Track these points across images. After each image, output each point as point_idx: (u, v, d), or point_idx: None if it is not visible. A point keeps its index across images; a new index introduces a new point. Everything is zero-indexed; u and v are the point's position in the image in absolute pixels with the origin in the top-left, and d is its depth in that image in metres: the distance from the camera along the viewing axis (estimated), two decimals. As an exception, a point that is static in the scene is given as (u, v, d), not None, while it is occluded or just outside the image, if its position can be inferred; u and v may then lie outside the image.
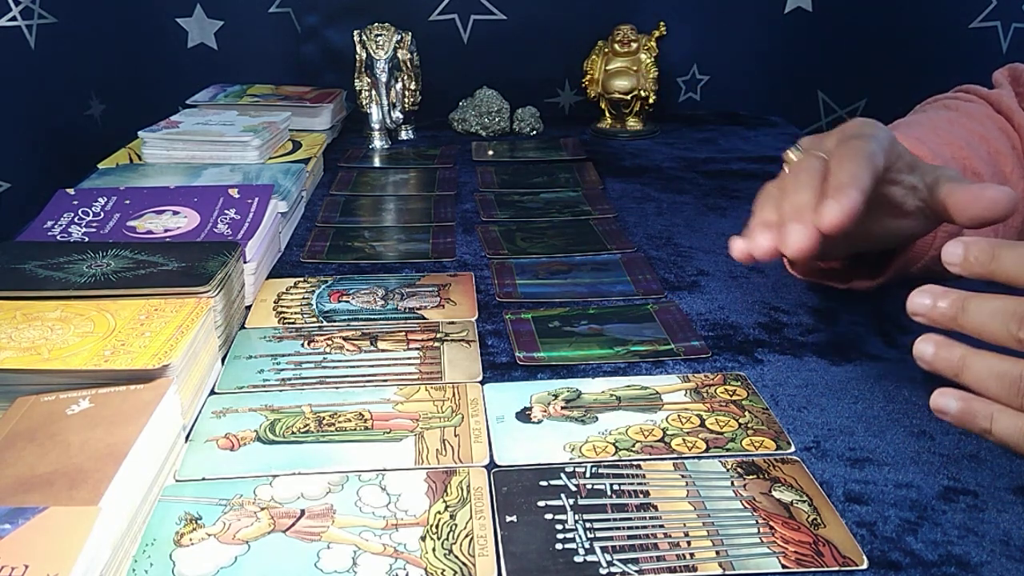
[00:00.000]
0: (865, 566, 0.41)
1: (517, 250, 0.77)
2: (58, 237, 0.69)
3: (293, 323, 0.63)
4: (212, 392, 0.55)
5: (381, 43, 1.03)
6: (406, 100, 1.07)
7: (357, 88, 1.06)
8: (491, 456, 0.49)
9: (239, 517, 0.44)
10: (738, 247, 0.52)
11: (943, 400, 0.43)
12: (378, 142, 1.07)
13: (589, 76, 1.12)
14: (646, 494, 0.45)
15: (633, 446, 0.49)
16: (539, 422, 0.52)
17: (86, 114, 1.07)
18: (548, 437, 0.50)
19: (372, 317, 0.64)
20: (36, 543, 0.36)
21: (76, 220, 0.71)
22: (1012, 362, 0.41)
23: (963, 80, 0.81)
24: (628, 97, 1.11)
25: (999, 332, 0.41)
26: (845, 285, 0.64)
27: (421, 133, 1.13)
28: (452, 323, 0.63)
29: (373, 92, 1.05)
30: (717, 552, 0.41)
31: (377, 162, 1.02)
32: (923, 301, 0.44)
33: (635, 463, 0.48)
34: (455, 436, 0.50)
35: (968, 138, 0.71)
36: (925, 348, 0.44)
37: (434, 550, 0.42)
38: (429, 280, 0.70)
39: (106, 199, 0.74)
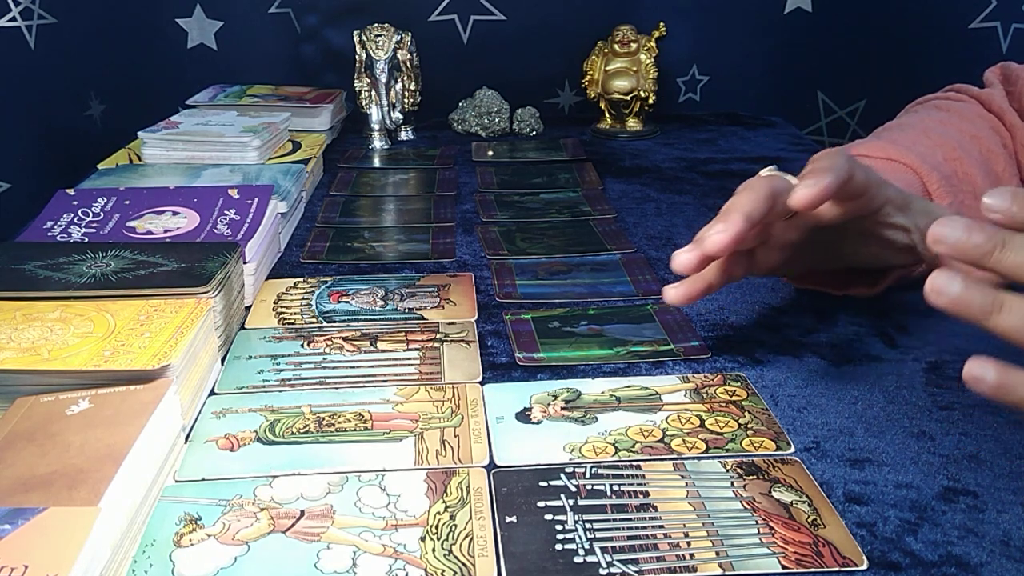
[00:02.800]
0: (865, 566, 0.41)
1: (517, 250, 0.77)
2: (58, 237, 0.69)
3: (293, 323, 0.63)
4: (212, 392, 0.55)
5: (381, 43, 1.03)
6: (406, 100, 1.07)
7: (357, 88, 1.06)
8: (491, 456, 0.49)
9: (239, 518, 0.44)
10: (669, 294, 0.55)
11: (979, 368, 0.39)
12: (378, 142, 1.07)
13: (589, 76, 1.12)
14: (646, 495, 0.45)
15: (633, 447, 0.49)
16: (539, 422, 0.52)
17: (86, 114, 1.07)
18: (548, 438, 0.50)
19: (372, 317, 0.64)
20: (36, 543, 0.36)
21: (76, 220, 0.71)
22: None
23: (963, 80, 0.81)
24: (628, 97, 1.11)
25: None
26: (842, 292, 0.64)
27: (421, 133, 1.13)
28: (452, 323, 0.63)
29: (373, 92, 1.05)
30: (717, 552, 0.41)
31: (377, 162, 1.02)
32: (953, 232, 0.40)
33: (635, 463, 0.48)
34: (455, 436, 0.50)
35: (960, 138, 0.71)
36: (950, 283, 0.39)
37: (434, 550, 0.42)
38: (429, 280, 0.70)
39: (106, 199, 0.74)
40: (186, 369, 0.51)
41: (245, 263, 0.66)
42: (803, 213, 0.55)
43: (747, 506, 0.45)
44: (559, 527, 0.43)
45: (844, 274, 0.64)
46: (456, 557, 0.41)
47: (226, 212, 0.72)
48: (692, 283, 0.54)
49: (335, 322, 0.64)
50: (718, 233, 0.51)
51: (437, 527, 0.43)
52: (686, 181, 0.96)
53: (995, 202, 0.41)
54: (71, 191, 0.76)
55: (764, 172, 0.57)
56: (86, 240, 0.68)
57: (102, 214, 0.72)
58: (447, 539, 0.42)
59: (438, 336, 0.61)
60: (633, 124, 1.13)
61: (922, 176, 0.65)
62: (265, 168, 0.84)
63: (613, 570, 0.40)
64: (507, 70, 1.17)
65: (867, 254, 0.59)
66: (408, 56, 1.05)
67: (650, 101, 1.11)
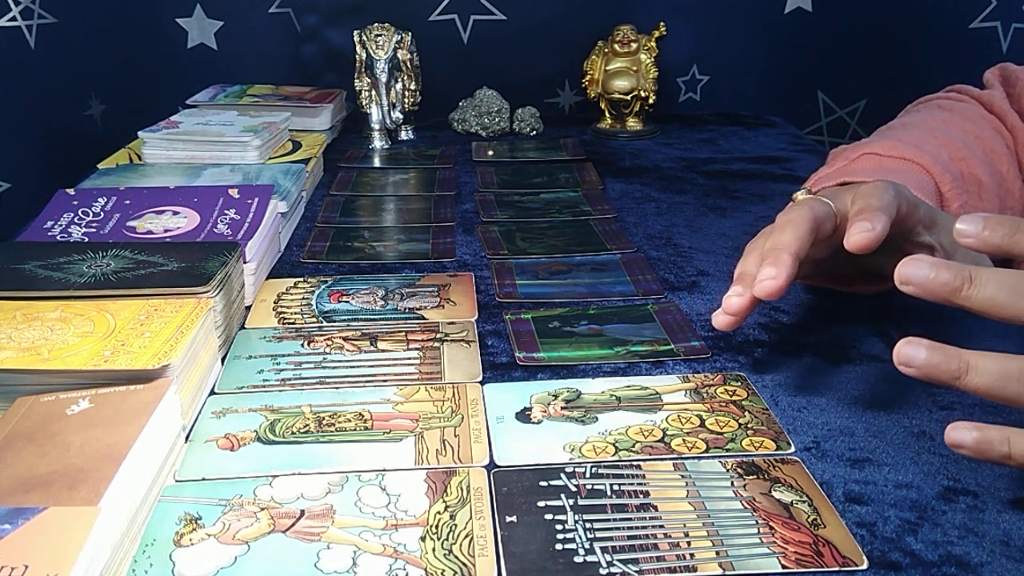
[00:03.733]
0: (865, 566, 0.41)
1: (517, 250, 0.77)
2: (58, 237, 0.68)
3: (293, 323, 0.63)
4: (212, 392, 0.55)
5: (381, 43, 1.03)
6: (406, 100, 1.07)
7: (357, 88, 1.06)
8: (491, 456, 0.49)
9: (239, 517, 0.44)
10: (719, 320, 0.55)
11: (958, 434, 0.42)
12: (378, 142, 1.07)
13: (589, 76, 1.12)
14: (646, 494, 0.45)
15: (633, 446, 0.49)
16: (539, 422, 0.52)
17: (86, 114, 1.07)
18: (548, 437, 0.50)
19: (372, 317, 0.64)
20: (36, 543, 0.36)
21: (76, 220, 0.71)
22: (1015, 358, 0.40)
23: (963, 80, 0.81)
24: (628, 97, 1.11)
25: (1013, 307, 0.40)
26: (848, 289, 0.64)
27: (421, 133, 1.13)
28: (452, 323, 0.63)
29: (373, 92, 1.05)
30: (717, 552, 0.41)
31: (377, 162, 1.02)
32: (919, 271, 0.41)
33: (635, 463, 0.48)
34: (455, 436, 0.50)
35: (964, 139, 0.71)
36: (914, 352, 0.41)
37: (434, 550, 0.42)
38: (429, 280, 0.70)
39: (106, 199, 0.74)
40: (186, 369, 0.51)
41: (245, 263, 0.66)
42: (837, 233, 0.55)
43: (747, 506, 0.45)
44: (559, 527, 0.43)
45: (852, 273, 0.64)
46: (456, 557, 0.41)
47: (226, 212, 0.72)
48: (738, 315, 0.55)
49: (335, 322, 0.64)
50: (770, 280, 0.51)
51: (437, 527, 0.43)
52: (686, 181, 0.96)
53: (967, 227, 0.42)
54: (71, 191, 0.76)
55: (799, 196, 0.57)
56: (86, 240, 0.68)
57: (102, 214, 0.72)
58: (447, 539, 0.42)
59: (438, 336, 0.61)
60: (633, 124, 1.13)
61: (935, 176, 0.65)
62: (265, 168, 0.84)
63: (613, 570, 0.40)
64: (507, 70, 1.16)
65: (889, 265, 0.59)
66: (408, 56, 1.05)
67: (650, 101, 1.11)
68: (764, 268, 0.51)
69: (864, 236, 0.50)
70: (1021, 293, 0.41)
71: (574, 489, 0.46)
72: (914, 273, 0.42)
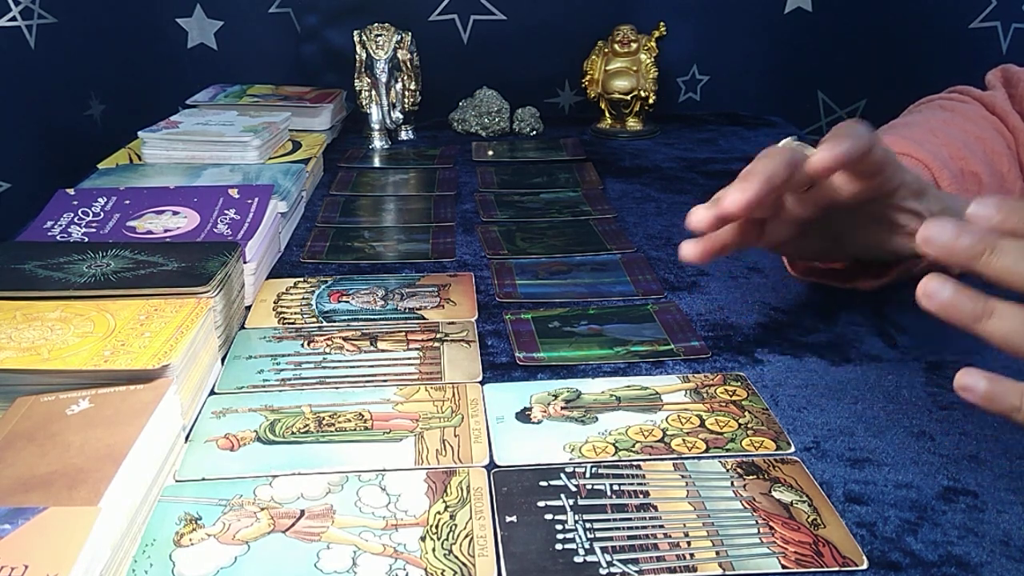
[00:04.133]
0: (865, 566, 0.41)
1: (517, 250, 0.77)
2: (58, 237, 0.68)
3: (293, 323, 0.63)
4: (212, 392, 0.55)
5: (381, 43, 1.03)
6: (406, 100, 1.07)
7: (357, 88, 1.06)
8: (491, 456, 0.49)
9: (239, 517, 0.44)
10: (684, 250, 0.55)
11: (969, 378, 0.40)
12: (378, 142, 1.07)
13: (589, 76, 1.12)
14: (646, 494, 0.45)
15: (633, 446, 0.49)
16: (539, 422, 0.52)
17: (86, 114, 1.07)
18: (548, 437, 0.50)
19: (372, 317, 0.64)
20: (36, 543, 0.36)
21: (76, 220, 0.71)
22: None
23: (963, 80, 0.81)
24: (628, 97, 1.11)
25: None
26: (848, 285, 0.64)
27: (421, 133, 1.13)
28: (452, 323, 0.63)
29: (373, 92, 1.05)
30: (717, 552, 0.41)
31: (377, 162, 1.02)
32: (942, 233, 0.40)
33: (635, 463, 0.48)
34: (455, 436, 0.50)
35: (965, 139, 0.71)
36: (941, 287, 0.40)
37: (434, 550, 0.42)
38: (429, 280, 0.70)
39: (106, 199, 0.74)
40: (186, 369, 0.51)
41: (245, 263, 0.66)
42: (818, 188, 0.55)
43: (747, 506, 0.45)
44: (559, 527, 0.43)
45: (849, 268, 0.64)
46: (456, 557, 0.41)
47: (226, 212, 0.72)
48: (707, 241, 0.55)
49: (335, 322, 0.64)
50: (737, 192, 0.51)
51: (437, 527, 0.43)
52: (686, 181, 0.96)
53: (980, 211, 0.41)
54: (71, 191, 0.76)
55: (784, 142, 0.57)
56: (86, 240, 0.68)
57: (102, 214, 0.72)
58: (447, 539, 0.42)
59: (438, 336, 0.61)
60: (633, 124, 1.13)
61: (933, 172, 0.65)
62: (265, 168, 0.84)
63: (613, 570, 0.40)
64: (507, 70, 1.16)
65: (877, 241, 0.59)
66: (408, 56, 1.05)
67: (650, 101, 1.11)
68: (732, 186, 0.52)
69: (825, 155, 0.49)
70: None
71: (574, 489, 0.46)
72: (937, 233, 0.40)
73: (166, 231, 0.70)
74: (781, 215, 0.57)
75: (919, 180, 0.56)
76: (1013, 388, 0.39)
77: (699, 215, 0.52)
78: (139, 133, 0.88)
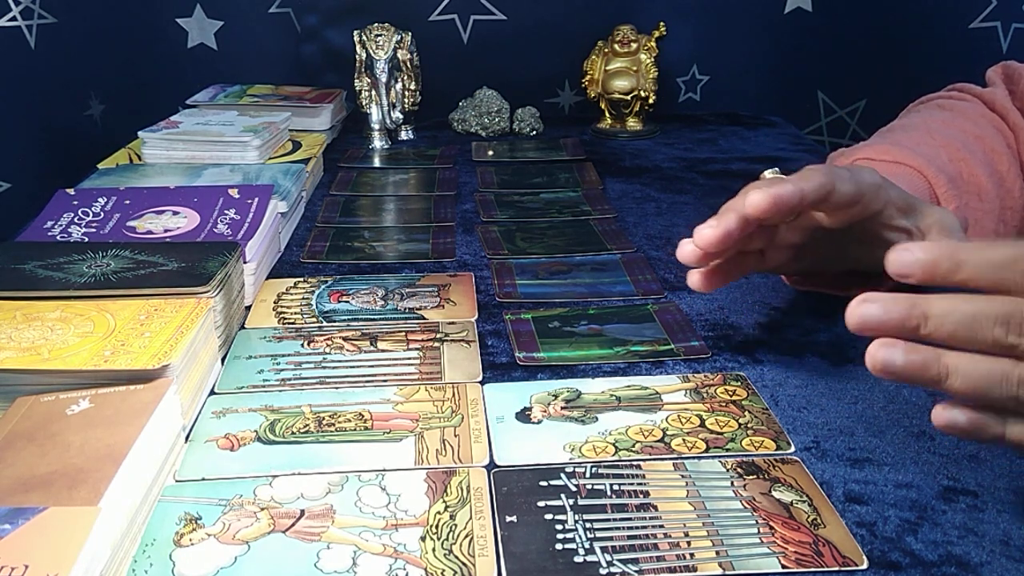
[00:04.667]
0: (865, 566, 0.41)
1: (517, 250, 0.77)
2: (58, 237, 0.68)
3: (293, 323, 0.63)
4: (212, 392, 0.55)
5: (381, 43, 1.03)
6: (406, 100, 1.07)
7: (357, 88, 1.06)
8: (491, 456, 0.49)
9: (239, 517, 0.44)
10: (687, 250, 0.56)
11: (949, 413, 0.39)
12: (378, 142, 1.07)
13: (589, 76, 1.12)
14: (646, 494, 0.45)
15: (633, 446, 0.49)
16: (539, 422, 0.52)
17: (86, 114, 1.07)
18: (548, 437, 0.50)
19: (372, 317, 0.64)
20: (36, 543, 0.36)
21: (76, 220, 0.71)
22: (999, 360, 0.38)
23: (963, 80, 0.81)
24: (628, 97, 1.11)
25: (979, 337, 0.38)
26: (843, 293, 0.64)
27: (421, 133, 1.13)
28: (452, 323, 0.63)
29: (373, 92, 1.05)
30: (717, 552, 0.41)
31: (377, 162, 1.02)
32: (870, 311, 0.39)
33: (635, 463, 0.48)
34: (455, 436, 0.50)
35: (963, 139, 0.71)
36: (891, 355, 0.39)
37: (434, 550, 0.42)
38: (429, 280, 0.70)
39: (106, 199, 0.74)
40: (186, 369, 0.51)
41: (245, 263, 0.66)
42: (806, 216, 0.56)
43: (747, 506, 0.45)
44: (559, 527, 0.43)
45: (846, 276, 0.64)
46: (456, 557, 0.41)
47: (226, 212, 0.72)
48: (710, 273, 0.56)
49: (335, 322, 0.64)
50: (706, 228, 0.53)
51: (437, 527, 0.43)
52: (686, 181, 0.96)
53: (901, 268, 0.40)
54: (71, 191, 0.76)
55: (767, 174, 0.58)
56: (86, 240, 0.68)
57: (102, 214, 0.72)
58: (447, 539, 0.42)
59: (438, 336, 0.61)
60: (633, 124, 1.13)
61: (929, 179, 0.65)
62: (265, 168, 0.84)
63: (613, 570, 0.40)
64: (507, 70, 1.16)
65: (871, 256, 0.59)
66: (408, 56, 1.05)
67: (650, 101, 1.11)
68: (706, 224, 0.53)
69: (756, 198, 0.51)
70: (985, 326, 0.38)
71: (574, 489, 0.46)
72: (868, 313, 0.40)
73: (166, 231, 0.70)
74: (776, 241, 0.58)
75: (906, 197, 0.56)
76: (993, 416, 0.39)
77: (685, 251, 0.54)
78: (139, 133, 0.88)
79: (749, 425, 0.51)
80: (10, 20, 0.91)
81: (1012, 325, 0.38)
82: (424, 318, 0.64)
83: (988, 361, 0.38)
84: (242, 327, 0.63)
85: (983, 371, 0.38)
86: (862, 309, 0.40)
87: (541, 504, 0.45)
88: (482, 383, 0.56)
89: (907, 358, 0.39)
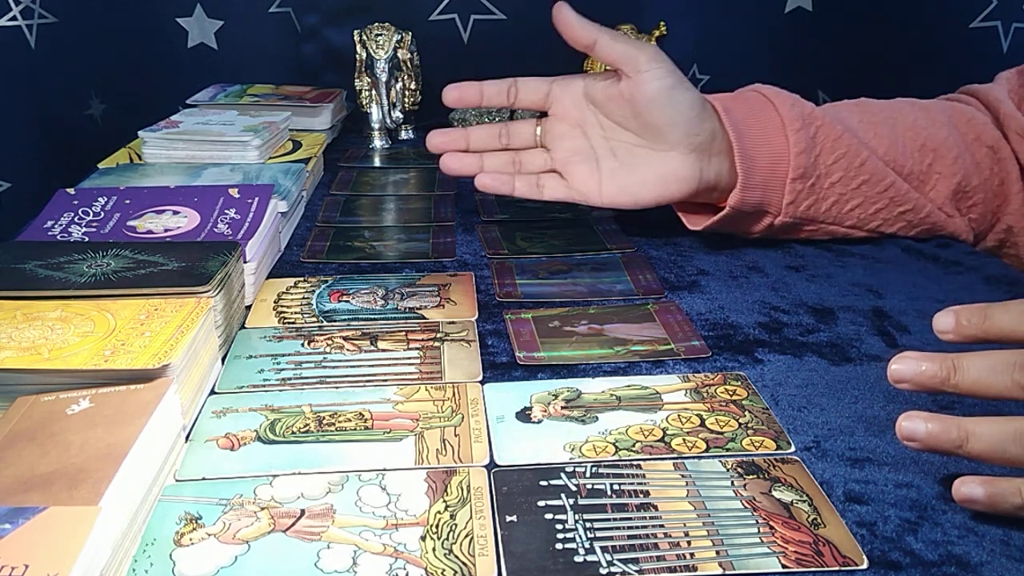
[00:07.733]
0: (865, 566, 0.41)
1: (517, 250, 0.77)
2: (58, 237, 0.68)
3: (293, 323, 0.63)
4: (212, 392, 0.55)
5: (381, 43, 1.03)
6: (406, 100, 1.07)
7: (357, 88, 1.06)
8: (491, 456, 0.49)
9: (239, 517, 0.44)
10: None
11: (967, 488, 0.43)
12: (378, 142, 1.07)
13: (589, 76, 1.12)
14: (646, 494, 0.45)
15: (633, 446, 0.49)
16: (539, 422, 0.52)
17: (86, 114, 1.07)
18: (548, 437, 0.50)
19: (372, 317, 0.64)
20: (36, 543, 0.36)
21: (76, 220, 0.71)
22: (1012, 420, 0.42)
23: (963, 80, 0.81)
24: (628, 97, 1.11)
25: (998, 384, 0.42)
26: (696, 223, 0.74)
27: (421, 133, 1.12)
28: (452, 323, 0.63)
29: (373, 92, 1.05)
30: (717, 552, 0.41)
31: (377, 162, 1.02)
32: (906, 367, 0.44)
33: (635, 463, 0.48)
34: (455, 436, 0.50)
35: (895, 128, 0.74)
36: (915, 426, 0.44)
37: (434, 550, 0.42)
38: (429, 280, 0.70)
39: (106, 199, 0.74)
40: (186, 368, 0.51)
41: (245, 262, 0.66)
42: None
43: (747, 505, 0.45)
44: (559, 526, 0.43)
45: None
46: (456, 556, 0.41)
47: (226, 211, 0.72)
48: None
49: (335, 321, 0.64)
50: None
51: (437, 526, 0.43)
52: (686, 181, 0.95)
53: (943, 323, 0.45)
54: (71, 190, 0.76)
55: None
56: (86, 239, 0.68)
57: (102, 213, 0.72)
58: (447, 538, 0.42)
59: (438, 335, 0.61)
60: (633, 124, 1.13)
61: (776, 106, 0.73)
62: (265, 167, 0.84)
63: (613, 569, 0.40)
64: (507, 70, 1.16)
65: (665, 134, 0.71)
66: (408, 55, 1.05)
67: (650, 101, 1.11)
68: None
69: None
70: (1004, 371, 0.43)
71: (574, 489, 0.46)
72: (904, 369, 0.44)
73: (166, 231, 0.70)
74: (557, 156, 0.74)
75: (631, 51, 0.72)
76: (1010, 487, 0.42)
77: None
78: (139, 133, 0.88)
79: (749, 425, 0.51)
80: (10, 20, 0.91)
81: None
82: (424, 318, 0.64)
83: (1002, 422, 0.42)
84: (242, 327, 0.63)
85: (997, 431, 0.42)
86: (898, 364, 0.45)
87: (541, 504, 0.45)
88: (482, 383, 0.56)
89: (930, 426, 0.43)
